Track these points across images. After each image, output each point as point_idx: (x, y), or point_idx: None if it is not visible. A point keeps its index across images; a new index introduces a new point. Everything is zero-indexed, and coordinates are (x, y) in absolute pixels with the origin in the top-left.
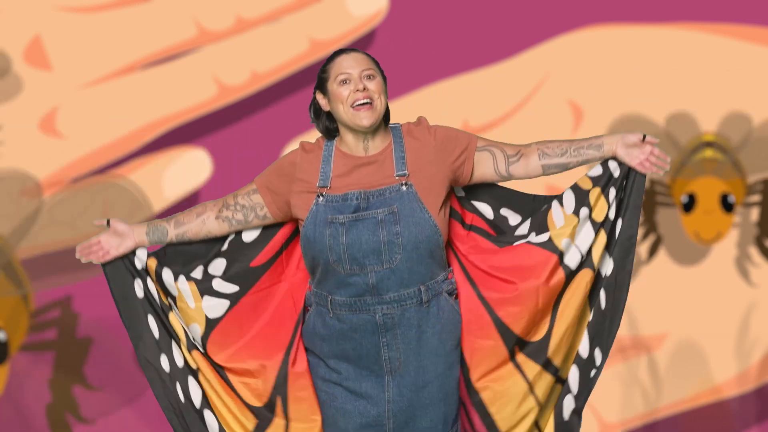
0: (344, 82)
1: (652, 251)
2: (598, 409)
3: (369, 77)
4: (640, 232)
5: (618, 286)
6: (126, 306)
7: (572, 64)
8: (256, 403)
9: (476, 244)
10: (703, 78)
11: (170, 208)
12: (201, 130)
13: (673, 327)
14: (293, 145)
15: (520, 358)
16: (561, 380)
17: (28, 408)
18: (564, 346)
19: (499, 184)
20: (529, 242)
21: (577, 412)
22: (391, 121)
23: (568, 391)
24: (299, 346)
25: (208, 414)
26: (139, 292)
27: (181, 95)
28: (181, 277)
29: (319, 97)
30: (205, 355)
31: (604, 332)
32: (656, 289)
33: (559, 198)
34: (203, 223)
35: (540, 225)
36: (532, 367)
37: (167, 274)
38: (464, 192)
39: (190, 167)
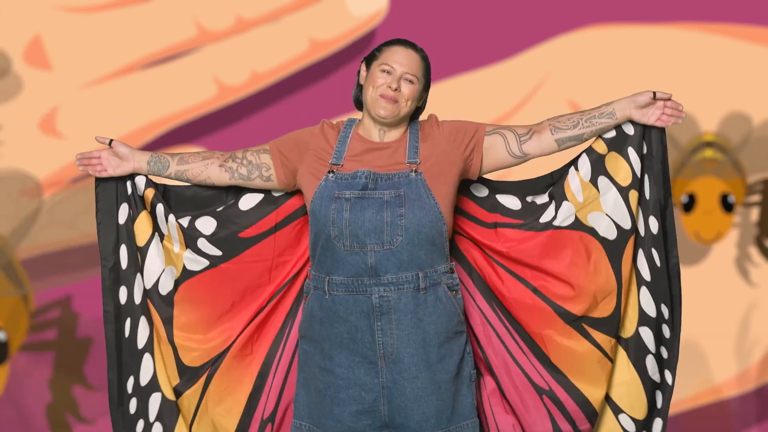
0: (385, 71)
1: None
2: None
3: (408, 81)
4: None
5: (668, 244)
6: (105, 227)
7: (572, 64)
8: (190, 363)
9: (507, 237)
10: (703, 78)
11: None
12: (201, 130)
13: None
14: None
15: (596, 335)
16: (623, 341)
17: (28, 408)
18: (629, 313)
19: (517, 180)
20: (557, 227)
21: (668, 369)
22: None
23: (648, 352)
24: (253, 334)
25: (146, 357)
26: (122, 218)
27: (181, 95)
28: (171, 217)
29: (362, 68)
30: (163, 301)
31: (665, 289)
32: None
33: (575, 163)
34: (205, 167)
35: (559, 194)
36: (607, 341)
37: (161, 209)
38: (488, 190)
39: None
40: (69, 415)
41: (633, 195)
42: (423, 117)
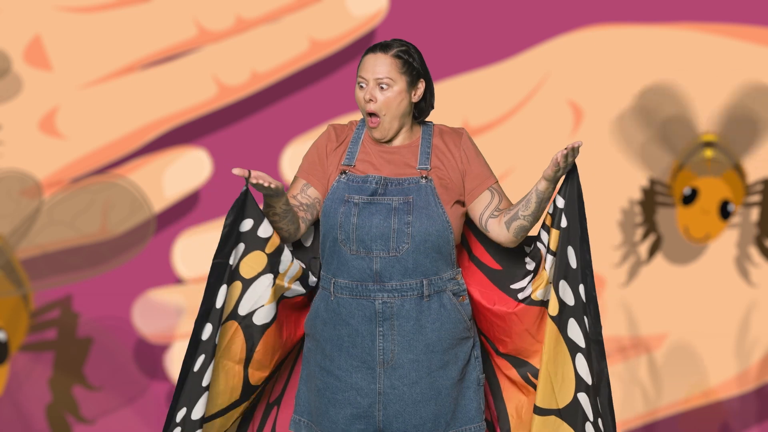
0: (360, 86)
1: (652, 251)
2: None
3: (383, 87)
4: (640, 232)
5: (590, 312)
6: (217, 267)
7: (572, 64)
8: (255, 383)
9: (476, 281)
10: (703, 78)
11: (170, 208)
12: (201, 130)
13: (673, 327)
14: (293, 145)
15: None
16: (557, 412)
17: (28, 408)
18: (565, 383)
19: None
20: (525, 303)
21: None
22: (429, 116)
23: (587, 419)
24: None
25: (204, 396)
26: (233, 261)
27: (181, 95)
28: (297, 261)
29: None
30: (255, 330)
31: (589, 361)
32: (656, 289)
33: (538, 237)
34: (296, 215)
35: (534, 267)
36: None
37: (287, 254)
38: None
39: (190, 167)
40: (69, 415)
41: (550, 259)
42: (434, 120)
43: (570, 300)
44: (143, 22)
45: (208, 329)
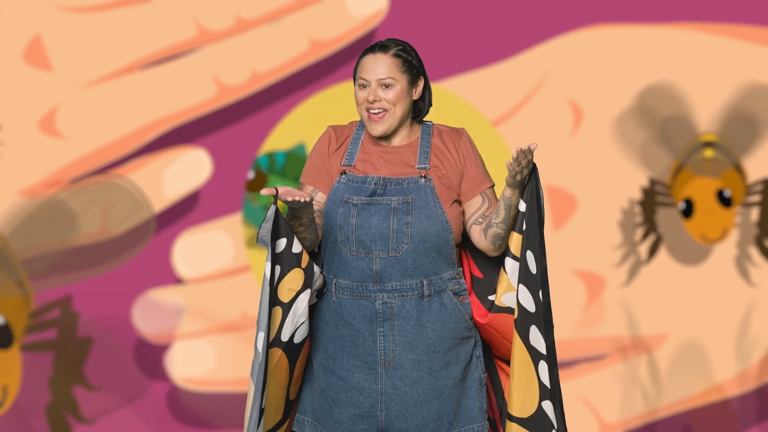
0: (362, 86)
1: (652, 251)
2: (598, 409)
3: (386, 86)
4: (640, 232)
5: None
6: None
7: (572, 64)
8: (292, 397)
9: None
10: (703, 78)
11: (170, 208)
12: (201, 130)
13: (673, 327)
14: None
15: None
16: (522, 421)
17: (28, 408)
18: (530, 391)
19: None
20: (496, 311)
21: None
22: (428, 116)
23: (552, 427)
24: None
25: (259, 410)
26: (267, 273)
27: (181, 95)
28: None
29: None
30: (295, 348)
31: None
32: (656, 289)
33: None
34: (316, 222)
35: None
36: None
37: (317, 268)
38: None
39: (190, 167)
40: (69, 415)
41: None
42: (434, 120)
43: (531, 306)
44: (143, 22)
45: (261, 338)
